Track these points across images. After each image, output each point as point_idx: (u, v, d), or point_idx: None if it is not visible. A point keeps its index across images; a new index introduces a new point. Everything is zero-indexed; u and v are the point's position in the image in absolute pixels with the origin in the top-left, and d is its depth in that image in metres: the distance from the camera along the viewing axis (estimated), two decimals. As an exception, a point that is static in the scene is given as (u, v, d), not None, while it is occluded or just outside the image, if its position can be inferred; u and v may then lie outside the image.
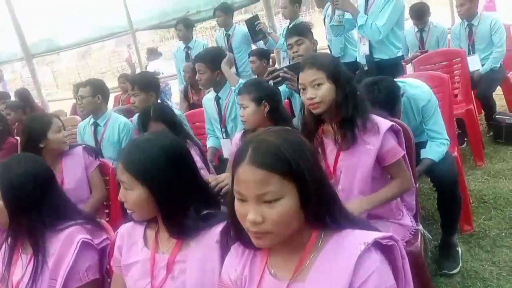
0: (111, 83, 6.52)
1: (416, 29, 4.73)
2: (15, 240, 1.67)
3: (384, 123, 1.88)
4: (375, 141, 1.84)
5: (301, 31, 3.05)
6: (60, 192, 1.80)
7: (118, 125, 3.46)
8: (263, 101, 2.39)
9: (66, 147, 2.73)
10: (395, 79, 2.48)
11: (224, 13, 5.13)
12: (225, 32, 5.18)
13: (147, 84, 3.27)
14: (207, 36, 19.47)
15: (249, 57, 4.54)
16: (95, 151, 2.89)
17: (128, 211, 1.44)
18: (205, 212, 1.42)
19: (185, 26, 5.37)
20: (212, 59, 3.16)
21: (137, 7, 7.28)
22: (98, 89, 3.46)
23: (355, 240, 1.05)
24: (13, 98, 5.79)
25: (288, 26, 4.65)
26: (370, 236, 1.05)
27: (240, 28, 5.31)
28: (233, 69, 4.92)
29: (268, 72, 2.83)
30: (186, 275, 1.35)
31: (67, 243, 1.58)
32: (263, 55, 4.40)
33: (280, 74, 2.76)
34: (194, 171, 1.49)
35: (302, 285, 1.06)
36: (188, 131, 3.03)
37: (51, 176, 1.78)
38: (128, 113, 5.36)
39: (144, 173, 1.34)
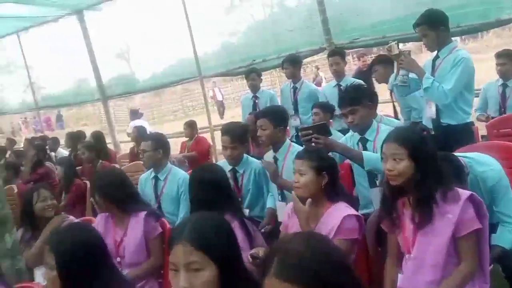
0: (181, 122, 6.74)
1: (500, 82, 4.33)
2: None
3: (464, 192, 1.84)
4: (455, 210, 1.80)
5: (352, 100, 2.84)
6: (112, 267, 1.83)
7: (177, 180, 3.51)
8: (324, 172, 2.25)
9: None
10: (460, 155, 2.31)
11: (292, 65, 5.12)
12: (292, 84, 5.16)
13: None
14: (273, 77, 19.82)
15: (312, 109, 4.46)
16: (157, 216, 2.77)
17: None
18: None
19: (258, 75, 5.52)
20: (275, 115, 3.18)
21: (206, 55, 7.63)
22: (159, 144, 3.58)
23: None
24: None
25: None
26: None
27: (307, 85, 5.28)
28: (297, 121, 4.93)
29: (300, 129, 2.77)
30: None
31: None
32: (327, 109, 4.31)
33: (302, 133, 2.70)
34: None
35: None
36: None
37: (103, 247, 1.80)
38: (193, 162, 5.55)
39: (217, 249, 1.28)
